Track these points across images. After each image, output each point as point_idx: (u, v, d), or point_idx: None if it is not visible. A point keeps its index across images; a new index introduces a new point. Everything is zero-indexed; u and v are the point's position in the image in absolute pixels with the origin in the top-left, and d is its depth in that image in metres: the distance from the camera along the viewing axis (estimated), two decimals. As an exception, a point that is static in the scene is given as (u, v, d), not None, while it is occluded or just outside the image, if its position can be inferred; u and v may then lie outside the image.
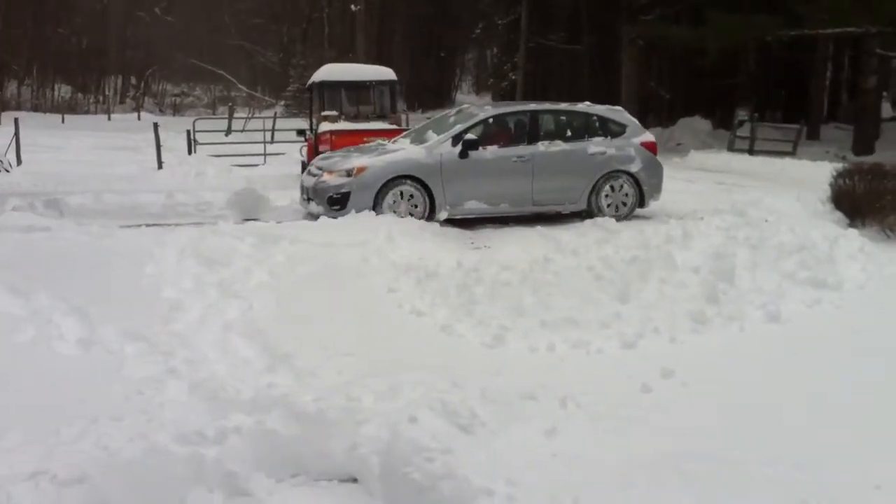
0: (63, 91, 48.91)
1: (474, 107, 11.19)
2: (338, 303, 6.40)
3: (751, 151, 21.65)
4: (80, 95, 49.66)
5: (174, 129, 21.90)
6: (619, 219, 9.69)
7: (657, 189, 10.33)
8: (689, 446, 4.07)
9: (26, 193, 11.42)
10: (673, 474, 3.76)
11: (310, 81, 16.10)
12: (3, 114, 30.73)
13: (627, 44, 26.57)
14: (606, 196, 10.01)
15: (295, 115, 29.26)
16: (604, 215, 9.77)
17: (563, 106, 10.73)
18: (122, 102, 51.87)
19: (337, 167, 9.56)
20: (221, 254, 7.25)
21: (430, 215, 9.44)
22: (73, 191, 11.84)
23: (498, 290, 6.58)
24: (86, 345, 5.43)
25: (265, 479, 3.95)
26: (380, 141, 10.98)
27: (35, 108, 42.89)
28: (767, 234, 7.59)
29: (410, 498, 3.71)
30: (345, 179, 9.32)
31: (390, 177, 9.30)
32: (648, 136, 10.61)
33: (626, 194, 10.09)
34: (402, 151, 9.68)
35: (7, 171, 15.03)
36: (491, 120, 10.08)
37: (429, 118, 23.92)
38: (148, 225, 8.75)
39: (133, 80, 56.13)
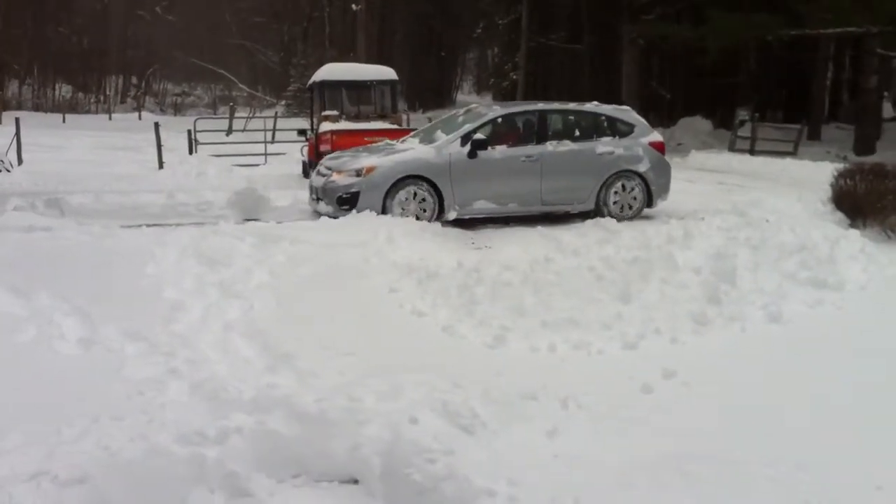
0: (64, 91, 48.91)
1: (483, 106, 11.18)
2: (339, 303, 6.39)
3: (752, 151, 21.63)
4: (80, 95, 49.64)
5: (175, 129, 21.89)
6: (627, 219, 9.71)
7: (665, 189, 10.34)
8: (691, 447, 4.07)
9: (27, 193, 11.41)
10: (674, 475, 3.76)
11: (311, 81, 16.11)
12: (4, 113, 30.73)
13: (628, 43, 26.56)
14: (615, 196, 10.01)
15: (296, 115, 29.29)
16: (612, 215, 9.80)
17: (572, 106, 10.73)
18: (122, 102, 51.87)
19: (346, 167, 9.57)
20: (222, 254, 7.25)
21: (439, 215, 9.45)
22: (73, 190, 11.83)
23: (499, 290, 6.58)
24: (87, 345, 5.43)
25: (266, 480, 3.94)
26: (388, 141, 10.99)
27: (36, 108, 42.90)
28: (768, 234, 7.59)
29: (412, 499, 3.71)
30: (354, 179, 9.34)
31: (399, 176, 9.31)
32: (656, 136, 10.61)
33: (635, 194, 10.09)
34: (412, 151, 9.69)
35: (8, 170, 15.01)
36: (499, 120, 10.08)
37: (430, 118, 23.94)
38: (149, 225, 8.74)
39: (134, 80, 56.15)
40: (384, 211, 9.18)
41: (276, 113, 27.95)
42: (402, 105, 21.97)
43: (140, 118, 38.86)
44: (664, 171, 10.36)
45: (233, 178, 14.20)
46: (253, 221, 9.21)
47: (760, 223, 8.06)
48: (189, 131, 18.42)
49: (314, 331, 5.81)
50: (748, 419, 4.46)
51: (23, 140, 17.35)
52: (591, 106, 10.70)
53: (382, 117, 14.97)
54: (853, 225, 8.39)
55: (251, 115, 30.28)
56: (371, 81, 15.47)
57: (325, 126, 13.93)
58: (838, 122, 29.86)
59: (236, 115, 28.55)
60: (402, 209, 9.26)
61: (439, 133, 10.03)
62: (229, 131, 25.29)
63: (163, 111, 49.11)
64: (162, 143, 17.09)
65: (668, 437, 4.21)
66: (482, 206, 9.66)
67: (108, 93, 52.34)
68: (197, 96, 57.11)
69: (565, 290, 6.56)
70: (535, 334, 5.83)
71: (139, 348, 5.42)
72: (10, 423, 4.18)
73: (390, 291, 6.66)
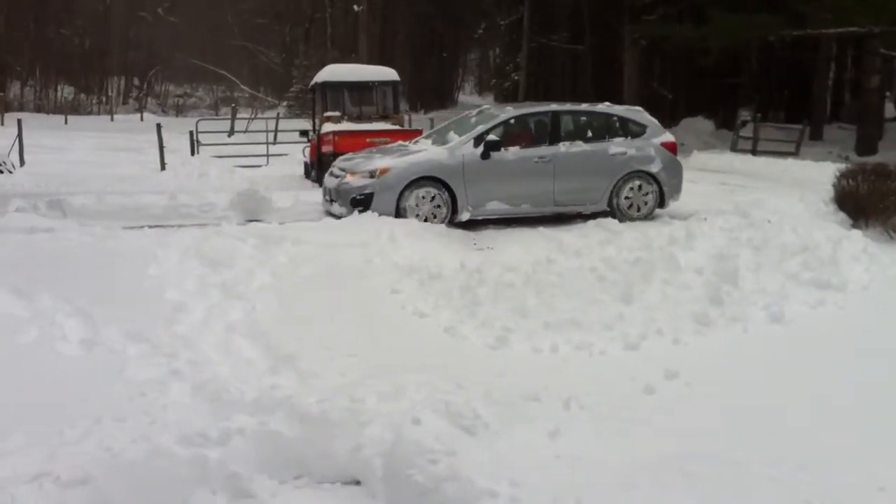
0: (66, 92, 48.89)
1: (495, 108, 11.20)
2: (340, 304, 6.40)
3: (754, 152, 21.63)
4: (82, 96, 49.64)
5: (177, 130, 21.90)
6: (640, 219, 9.72)
7: (677, 189, 10.36)
8: (693, 447, 4.06)
9: (29, 194, 11.42)
10: (676, 475, 3.76)
11: (312, 82, 16.12)
12: (6, 115, 30.76)
13: (630, 44, 26.56)
14: (627, 196, 10.03)
15: (298, 116, 29.30)
16: (624, 215, 9.84)
17: (584, 106, 10.75)
18: (124, 103, 51.87)
19: (360, 168, 9.61)
20: (224, 255, 7.25)
21: (452, 216, 9.48)
22: (76, 192, 11.84)
23: (501, 291, 6.58)
24: (89, 346, 5.43)
25: (268, 481, 3.95)
26: (401, 142, 11.01)
27: (38, 109, 42.89)
28: (771, 235, 7.58)
29: (414, 500, 3.71)
30: (368, 181, 9.37)
31: (413, 178, 9.34)
32: (668, 137, 10.62)
33: (647, 194, 10.10)
34: (425, 153, 9.71)
35: (10, 172, 15.04)
36: (512, 121, 10.10)
37: (431, 119, 23.97)
38: (151, 226, 8.75)
39: (136, 81, 56.17)
40: (398, 212, 9.20)
41: (278, 114, 27.96)
42: (403, 106, 21.97)
43: (142, 119, 38.85)
44: (676, 172, 10.38)
45: (235, 180, 14.21)
46: (255, 222, 9.22)
47: (762, 224, 8.05)
48: (191, 132, 18.45)
49: (316, 332, 5.81)
50: (750, 420, 4.45)
51: (25, 141, 17.37)
52: (604, 107, 10.73)
53: (384, 118, 14.98)
54: (855, 225, 8.38)
55: (253, 117, 30.33)
56: (373, 82, 15.48)
57: (327, 127, 13.94)
58: (840, 122, 29.84)
59: (238, 116, 28.57)
60: (416, 210, 9.30)
61: (452, 134, 10.06)
62: (231, 132, 25.30)
63: (165, 112, 49.07)
64: (164, 144, 17.11)
65: (670, 438, 4.20)
66: (495, 207, 9.69)
67: (109, 94, 52.33)
68: (199, 97, 57.09)
69: (567, 291, 6.56)
70: (538, 335, 5.83)
71: (141, 349, 5.43)
72: (13, 423, 4.18)
73: (392, 292, 6.67)
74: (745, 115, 26.78)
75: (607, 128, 10.31)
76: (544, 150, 9.86)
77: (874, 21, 20.05)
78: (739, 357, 5.51)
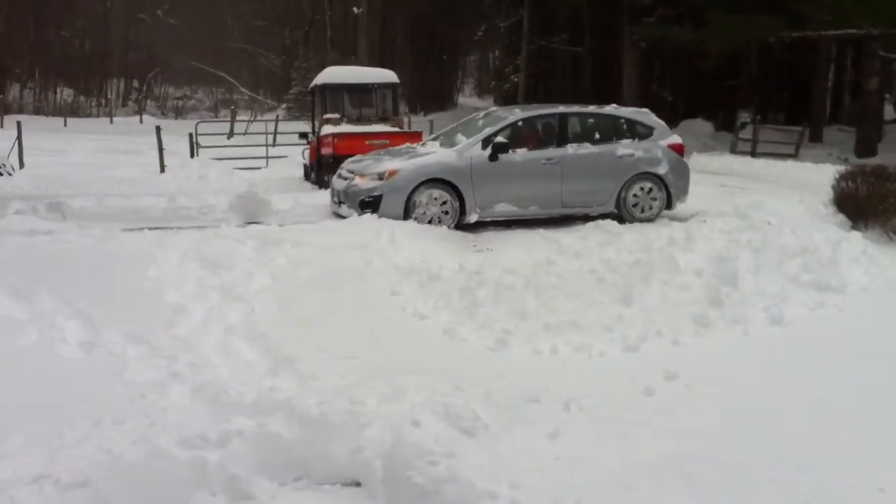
0: (65, 94, 48.89)
1: (503, 110, 11.20)
2: (340, 306, 6.40)
3: (753, 154, 21.62)
4: (82, 99, 49.62)
5: (176, 133, 21.90)
6: (647, 220, 9.72)
7: (684, 191, 10.37)
8: (692, 449, 4.07)
9: (29, 197, 11.42)
10: (676, 477, 3.76)
11: (312, 84, 16.11)
12: (6, 117, 30.76)
13: (629, 46, 26.57)
14: (634, 198, 10.03)
15: (297, 118, 29.26)
16: (632, 217, 9.85)
17: (592, 108, 10.76)
18: (124, 105, 51.88)
19: (369, 171, 9.63)
20: (224, 257, 7.25)
21: (461, 218, 9.50)
22: (75, 194, 11.83)
23: (501, 293, 6.58)
24: (88, 348, 5.43)
25: (268, 483, 3.95)
26: (409, 144, 11.03)
27: (37, 112, 42.90)
28: (770, 236, 7.59)
29: (413, 501, 3.71)
30: (377, 183, 9.38)
31: (421, 180, 9.36)
32: (675, 139, 10.63)
33: (654, 196, 10.11)
34: (433, 155, 9.72)
35: (9, 174, 15.05)
36: (520, 123, 10.11)
37: (431, 121, 23.96)
38: (150, 228, 8.74)
39: (135, 83, 56.19)
40: (406, 214, 9.22)
41: (278, 116, 27.93)
42: (403, 108, 21.96)
43: (141, 122, 38.88)
44: (683, 173, 10.39)
45: (234, 182, 14.22)
46: (254, 224, 9.21)
47: (762, 226, 8.06)
48: (190, 135, 18.45)
49: (315, 333, 5.81)
50: (750, 421, 4.46)
51: (24, 144, 17.38)
52: (611, 108, 10.75)
53: (384, 120, 14.98)
54: (855, 227, 8.38)
55: (252, 119, 30.30)
56: (372, 84, 15.47)
57: (327, 129, 13.94)
58: (840, 124, 29.84)
59: (238, 118, 28.56)
60: (425, 212, 9.32)
61: (460, 136, 10.08)
62: (230, 135, 25.29)
63: (164, 115, 49.08)
64: (163, 146, 17.12)
65: (670, 439, 4.20)
66: (503, 209, 9.70)
67: (109, 96, 52.32)
68: (198, 100, 57.12)
69: (567, 293, 6.56)
70: (537, 337, 5.84)
71: (141, 351, 5.43)
72: (13, 425, 4.19)
73: (392, 294, 6.67)
74: (744, 116, 26.78)
75: (615, 130, 10.32)
76: (552, 151, 9.87)
77: (874, 23, 20.05)
78: (739, 359, 5.51)
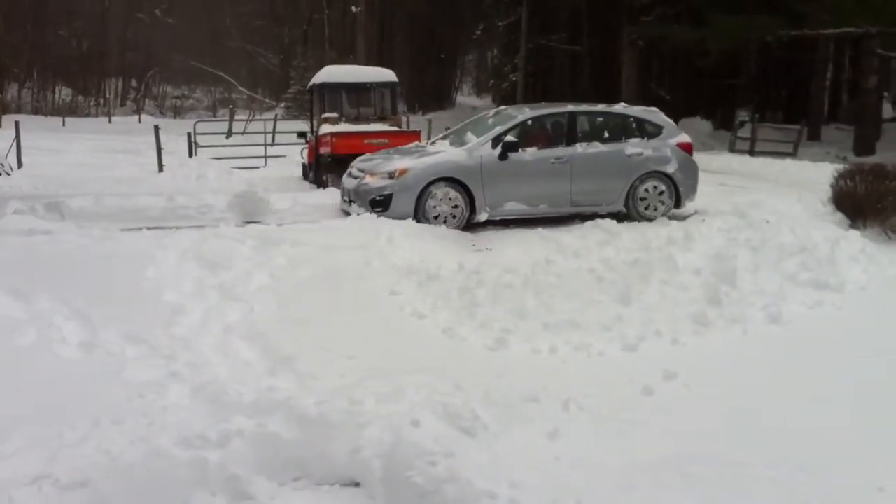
0: (64, 94, 48.84)
1: (513, 108, 11.21)
2: (339, 305, 6.39)
3: (751, 152, 21.65)
4: (80, 98, 49.56)
5: (175, 132, 21.89)
6: (655, 219, 9.73)
7: (693, 189, 10.38)
8: (692, 448, 4.07)
9: (27, 196, 11.40)
10: (675, 476, 3.76)
11: (310, 83, 16.11)
12: (4, 117, 30.70)
13: (628, 44, 26.60)
14: (643, 197, 10.04)
15: (296, 117, 29.27)
16: (641, 216, 9.86)
17: (601, 107, 10.77)
18: (122, 105, 51.80)
19: (379, 169, 9.65)
20: (222, 257, 7.25)
21: (471, 217, 9.51)
22: (73, 194, 11.81)
23: (500, 292, 6.58)
24: (87, 348, 5.43)
25: (267, 483, 3.95)
26: (418, 143, 11.04)
27: (36, 111, 42.86)
28: (769, 235, 7.60)
29: (413, 501, 3.71)
30: (387, 181, 9.40)
31: (432, 179, 9.38)
32: (684, 137, 10.64)
33: (663, 195, 10.12)
34: (443, 154, 9.74)
35: (8, 174, 15.04)
36: (529, 122, 10.13)
37: (429, 120, 23.96)
38: (149, 228, 8.73)
39: (134, 83, 56.10)
40: (417, 212, 9.24)
41: (276, 115, 27.96)
42: (401, 107, 21.96)
43: (140, 121, 38.84)
44: (692, 172, 10.40)
45: (233, 181, 14.20)
46: (253, 224, 9.20)
47: (761, 224, 8.07)
48: (189, 134, 18.44)
49: (314, 333, 5.81)
50: (749, 420, 4.46)
51: (22, 143, 17.35)
52: (620, 107, 10.77)
53: (382, 119, 14.96)
54: (853, 226, 8.40)
55: (251, 118, 30.28)
56: (371, 84, 15.46)
57: (325, 128, 13.92)
58: (838, 122, 29.88)
59: (236, 117, 28.55)
60: (435, 211, 9.34)
61: (470, 135, 10.10)
62: (229, 134, 25.30)
63: (162, 114, 49.04)
64: (162, 146, 17.10)
65: (669, 439, 4.21)
66: (513, 208, 9.72)
67: (107, 96, 52.26)
68: (196, 99, 57.05)
69: (566, 293, 6.56)
70: (536, 336, 5.84)
71: (140, 351, 5.43)
72: (12, 426, 4.18)
73: (391, 293, 6.66)
74: (743, 115, 26.77)
75: (623, 128, 10.33)
76: (561, 150, 9.88)
77: (872, 22, 20.10)
78: (738, 358, 5.52)
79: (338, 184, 12.31)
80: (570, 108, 10.43)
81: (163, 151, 17.03)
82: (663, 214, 10.03)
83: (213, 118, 38.56)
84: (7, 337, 5.43)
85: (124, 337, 5.58)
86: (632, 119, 10.42)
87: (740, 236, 7.66)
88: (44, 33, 47.60)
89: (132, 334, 5.61)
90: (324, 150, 13.61)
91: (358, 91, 15.43)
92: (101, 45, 51.54)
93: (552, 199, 9.83)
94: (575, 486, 3.70)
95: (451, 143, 10.19)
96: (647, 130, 10.34)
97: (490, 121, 10.48)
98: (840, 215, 8.71)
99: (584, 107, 10.73)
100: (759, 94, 31.53)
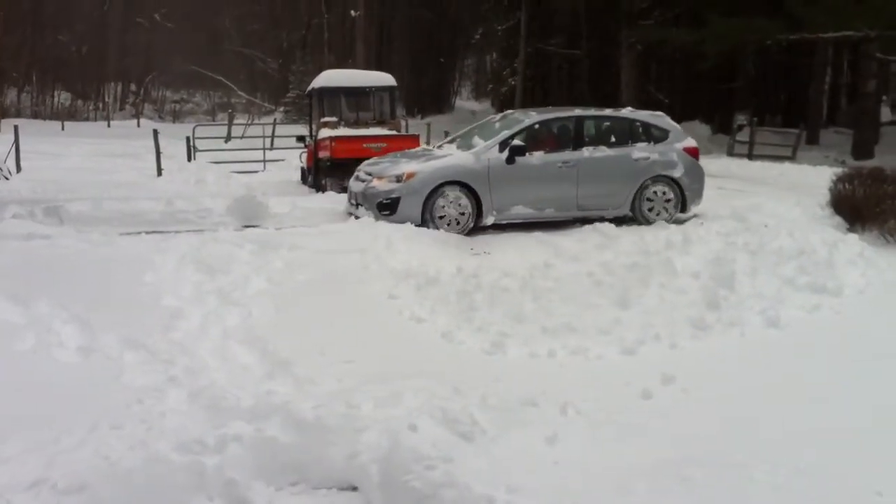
0: (63, 98, 48.95)
1: (520, 112, 11.23)
2: (337, 309, 6.40)
3: (750, 156, 21.65)
4: (79, 102, 49.69)
5: (174, 136, 21.92)
6: (661, 223, 9.74)
7: (699, 194, 10.40)
8: (690, 452, 4.06)
9: (26, 201, 11.39)
10: (674, 480, 3.76)
11: (309, 88, 16.11)
12: (3, 121, 30.75)
13: (626, 48, 26.59)
14: (649, 201, 10.06)
15: (294, 122, 29.30)
16: (647, 220, 9.88)
17: (607, 112, 10.81)
18: (121, 109, 51.90)
19: (386, 173, 9.67)
20: (221, 261, 7.25)
21: (478, 220, 9.53)
22: (72, 198, 11.79)
23: (498, 296, 6.58)
24: (86, 352, 5.43)
25: (265, 488, 3.94)
26: (425, 146, 11.05)
27: (34, 116, 42.91)
28: (767, 239, 7.60)
29: (411, 506, 3.70)
30: (395, 185, 9.42)
31: (439, 182, 9.41)
32: (690, 142, 10.67)
33: (669, 199, 10.13)
34: (451, 157, 9.77)
35: (7, 178, 15.02)
36: (537, 126, 10.16)
37: (428, 124, 23.98)
38: (148, 232, 8.74)
39: (132, 87, 56.20)
40: (424, 216, 9.27)
41: (275, 119, 28.02)
42: (400, 111, 21.97)
43: (139, 125, 38.88)
44: (698, 177, 10.42)
45: (231, 185, 14.20)
46: (252, 228, 9.21)
47: (759, 228, 8.08)
48: (188, 138, 18.47)
49: (312, 337, 5.81)
50: (747, 424, 4.46)
51: (21, 148, 17.36)
52: (627, 112, 10.80)
53: (381, 123, 14.96)
54: (852, 229, 8.40)
55: (250, 122, 30.33)
56: (370, 88, 15.46)
57: (324, 132, 13.93)
58: (837, 126, 29.90)
59: (235, 121, 28.57)
60: (442, 214, 9.36)
61: (477, 139, 10.11)
62: (228, 138, 25.32)
63: (161, 118, 49.10)
64: (161, 150, 17.11)
65: (668, 443, 4.20)
66: (519, 212, 9.73)
67: (106, 100, 52.38)
68: (195, 103, 57.17)
69: (564, 296, 6.56)
70: (534, 340, 5.84)
71: (138, 356, 5.43)
72: (10, 431, 4.18)
73: (389, 297, 6.67)
74: (741, 119, 26.80)
75: (630, 133, 10.37)
76: (568, 154, 9.90)
77: (871, 25, 20.08)
78: (736, 362, 5.52)
79: (336, 188, 12.35)
80: (578, 112, 10.47)
81: (162, 156, 17.04)
82: (669, 218, 10.05)
83: (212, 122, 38.56)
84: (6, 341, 5.43)
85: (123, 341, 5.58)
86: (638, 123, 10.45)
87: (739, 240, 7.67)
88: (43, 37, 47.72)
89: (131, 339, 5.61)
90: (323, 154, 13.62)
91: (357, 95, 15.43)
92: (101, 50, 51.68)
93: (559, 202, 9.85)
94: (573, 490, 3.70)
95: (459, 147, 10.22)
96: (653, 135, 10.37)
97: (497, 125, 10.51)
98: (838, 219, 8.72)
99: (591, 111, 10.77)
100: (758, 98, 31.58)
